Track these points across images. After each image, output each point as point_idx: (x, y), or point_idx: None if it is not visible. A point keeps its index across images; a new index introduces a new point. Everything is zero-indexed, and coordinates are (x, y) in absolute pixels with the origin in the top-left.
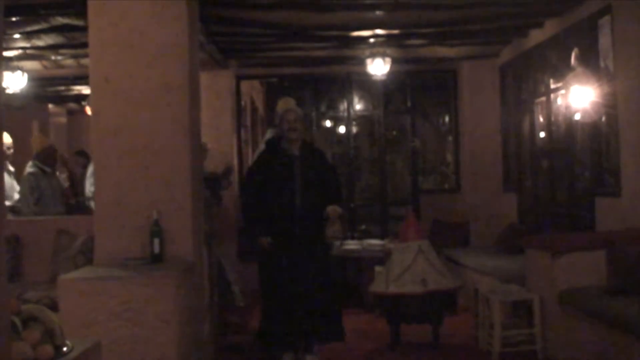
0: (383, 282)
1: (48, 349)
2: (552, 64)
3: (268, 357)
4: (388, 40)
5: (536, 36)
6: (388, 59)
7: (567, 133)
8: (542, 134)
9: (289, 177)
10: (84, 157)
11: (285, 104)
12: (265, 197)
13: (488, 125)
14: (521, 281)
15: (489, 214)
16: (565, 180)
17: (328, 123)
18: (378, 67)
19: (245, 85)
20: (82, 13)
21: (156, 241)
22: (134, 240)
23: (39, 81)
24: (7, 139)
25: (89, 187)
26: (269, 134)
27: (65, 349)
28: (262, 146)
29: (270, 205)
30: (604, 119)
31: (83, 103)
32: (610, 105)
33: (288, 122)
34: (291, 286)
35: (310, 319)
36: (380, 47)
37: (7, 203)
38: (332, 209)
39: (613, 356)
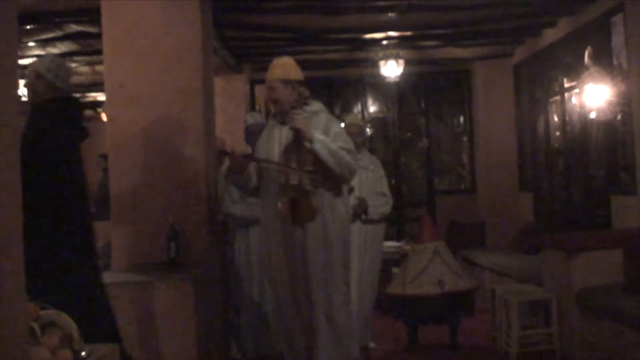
0: (400, 284)
1: (67, 354)
2: (566, 63)
3: None
4: (401, 42)
5: (550, 35)
6: (401, 61)
7: (582, 132)
8: (557, 133)
9: None
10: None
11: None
12: None
13: (503, 125)
14: (538, 281)
15: (504, 214)
16: (580, 179)
17: (342, 125)
18: (391, 69)
19: (259, 89)
20: (96, 20)
21: (172, 245)
22: (150, 244)
23: None
24: None
25: None
26: None
27: (83, 353)
28: None
29: None
30: (619, 117)
31: (99, 109)
32: (624, 103)
33: None
34: None
35: None
36: (394, 49)
37: None
38: None
39: (631, 355)
